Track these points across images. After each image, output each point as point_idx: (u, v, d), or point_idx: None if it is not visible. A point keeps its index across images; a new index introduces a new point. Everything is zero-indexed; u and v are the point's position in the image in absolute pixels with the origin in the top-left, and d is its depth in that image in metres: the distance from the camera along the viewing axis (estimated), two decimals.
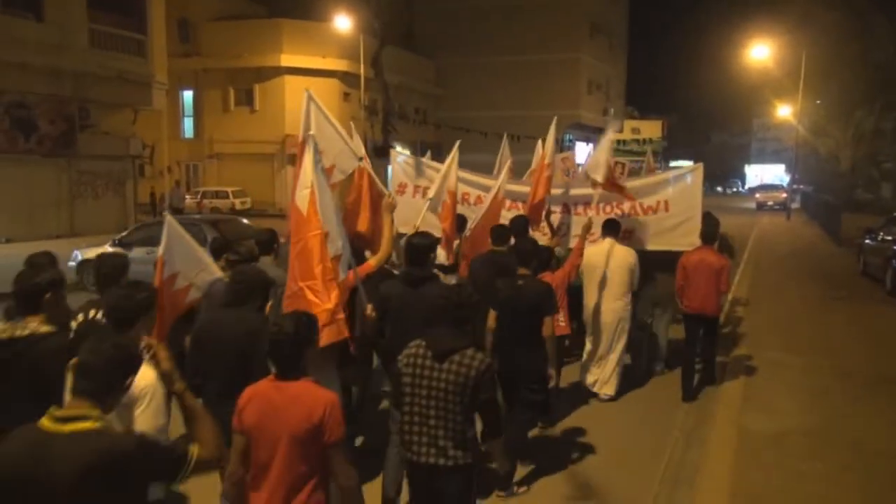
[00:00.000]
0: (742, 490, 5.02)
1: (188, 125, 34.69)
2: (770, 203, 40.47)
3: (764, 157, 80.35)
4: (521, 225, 6.30)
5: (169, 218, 4.74)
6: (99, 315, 3.55)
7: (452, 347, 3.23)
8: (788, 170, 55.63)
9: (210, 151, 33.61)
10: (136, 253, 11.81)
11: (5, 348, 3.19)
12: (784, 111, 39.69)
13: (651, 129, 49.58)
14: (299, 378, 2.76)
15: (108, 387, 2.20)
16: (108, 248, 12.72)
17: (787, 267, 16.68)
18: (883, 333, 10.22)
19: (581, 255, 6.50)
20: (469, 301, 3.39)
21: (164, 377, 2.50)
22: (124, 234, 13.47)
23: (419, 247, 4.56)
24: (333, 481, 2.78)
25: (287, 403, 2.69)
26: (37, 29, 19.51)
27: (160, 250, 4.61)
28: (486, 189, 7.39)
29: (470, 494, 3.37)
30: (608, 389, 6.87)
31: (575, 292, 6.78)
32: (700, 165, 7.46)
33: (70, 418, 2.10)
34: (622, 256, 6.76)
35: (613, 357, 6.84)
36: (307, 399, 2.70)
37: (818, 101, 37.66)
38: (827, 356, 8.68)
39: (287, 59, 32.00)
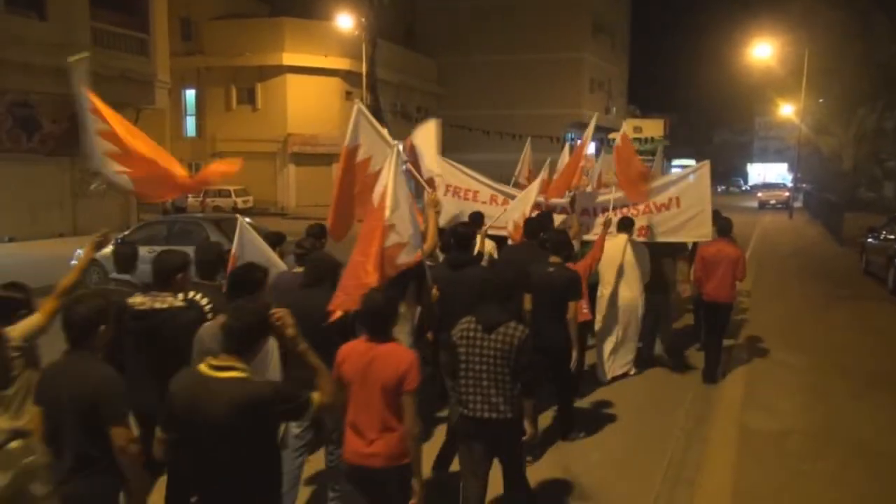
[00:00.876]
0: (743, 489, 5.03)
1: (190, 124, 34.71)
2: (772, 202, 40.37)
3: (766, 156, 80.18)
4: (546, 219, 7.19)
5: (240, 219, 5.44)
6: (198, 297, 4.09)
7: (499, 321, 3.82)
8: (791, 168, 55.54)
9: (212, 150, 33.62)
10: (139, 251, 11.83)
11: (144, 319, 3.82)
12: (786, 110, 39.63)
13: (653, 127, 49.42)
14: (387, 340, 3.40)
15: (249, 345, 2.81)
16: (111, 247, 12.78)
17: (790, 266, 16.68)
18: (885, 332, 10.23)
19: (602, 248, 6.88)
20: (509, 281, 4.06)
21: (290, 340, 2.96)
22: (127, 232, 13.49)
23: (463, 235, 5.51)
24: (402, 424, 3.34)
25: (378, 359, 3.34)
26: (39, 28, 19.52)
27: (233, 248, 5.27)
28: (504, 192, 8.25)
29: (519, 442, 4.02)
30: (620, 370, 7.49)
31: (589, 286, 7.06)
32: (707, 163, 8.04)
33: (223, 367, 2.71)
34: (635, 251, 7.38)
35: (631, 345, 7.52)
36: (394, 355, 3.35)
37: (821, 100, 37.59)
38: (829, 355, 8.68)
39: (289, 58, 32.00)
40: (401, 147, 5.13)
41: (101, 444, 2.82)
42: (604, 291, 7.37)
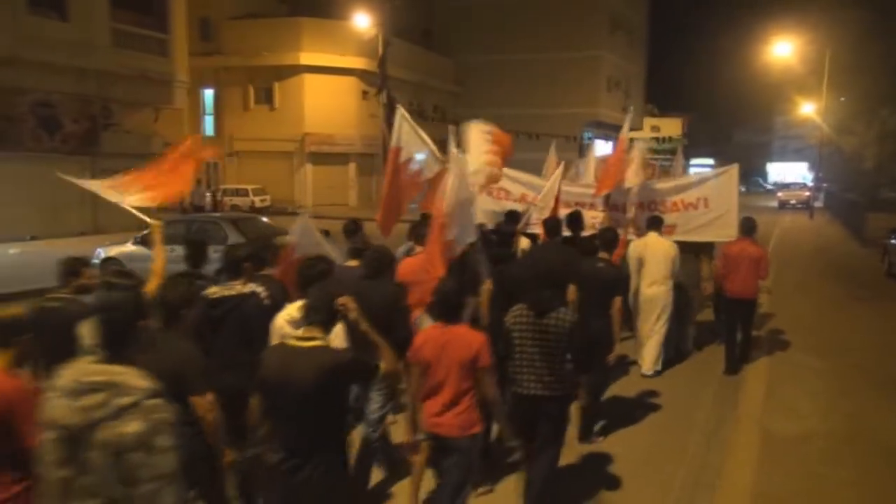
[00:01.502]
0: (764, 494, 4.97)
1: (208, 123, 34.97)
2: (793, 202, 39.92)
3: (786, 155, 79.29)
4: (578, 219, 7.62)
5: (303, 217, 5.93)
6: (255, 286, 4.53)
7: (550, 307, 4.22)
8: (811, 168, 54.89)
9: (230, 149, 33.88)
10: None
11: (217, 306, 4.26)
12: (807, 109, 39.13)
13: (671, 126, 49.21)
14: (459, 323, 3.88)
15: (328, 319, 3.28)
16: (132, 246, 12.90)
17: (811, 266, 16.48)
18: None
19: (624, 245, 7.28)
20: (560, 271, 4.52)
21: (353, 321, 3.45)
22: (146, 231, 13.58)
23: (506, 233, 6.16)
24: (484, 396, 3.82)
25: (453, 340, 3.79)
26: (61, 29, 19.79)
27: (293, 237, 5.65)
28: (534, 188, 8.61)
29: (565, 417, 4.43)
30: (652, 366, 7.63)
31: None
32: (735, 166, 8.35)
33: (308, 338, 3.17)
34: (664, 248, 7.56)
35: (657, 337, 7.60)
36: (467, 337, 3.81)
37: (842, 99, 37.08)
38: (851, 357, 8.56)
39: (306, 58, 32.15)
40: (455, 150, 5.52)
41: (184, 412, 3.05)
42: (633, 289, 7.58)
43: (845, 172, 45.48)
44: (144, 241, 12.79)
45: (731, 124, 77.33)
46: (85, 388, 2.19)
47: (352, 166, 34.28)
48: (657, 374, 7.65)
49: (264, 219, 15.66)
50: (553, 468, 4.36)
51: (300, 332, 3.25)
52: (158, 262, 4.96)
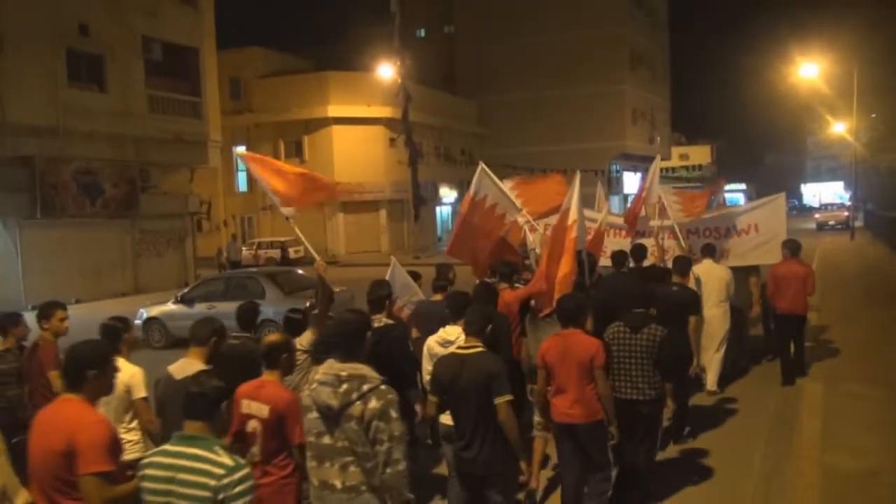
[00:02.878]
0: None
1: (241, 179, 35.82)
2: (831, 223, 39.07)
3: (820, 176, 78.04)
4: (641, 251, 8.13)
5: (394, 259, 7.24)
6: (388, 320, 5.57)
7: (643, 323, 4.97)
8: (847, 187, 53.78)
9: (263, 204, 34.56)
10: (198, 308, 12.13)
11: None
12: (838, 128, 38.59)
13: (700, 154, 48.91)
14: (577, 328, 4.67)
15: (482, 330, 4.14)
16: (172, 306, 13.12)
17: (856, 291, 16.00)
18: None
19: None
20: (643, 297, 5.20)
21: None
22: (185, 290, 13.84)
23: (590, 263, 6.66)
24: (595, 391, 4.56)
25: (573, 344, 4.59)
26: (100, 99, 20.64)
27: (388, 280, 6.46)
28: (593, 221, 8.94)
29: (658, 420, 5.16)
30: (715, 383, 8.09)
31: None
32: (783, 194, 9.14)
33: (471, 346, 4.10)
34: (718, 273, 8.05)
35: (718, 356, 8.03)
36: (585, 341, 4.62)
37: (874, 115, 36.51)
38: None
39: (334, 110, 32.93)
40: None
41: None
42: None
43: (883, 190, 44.43)
44: (184, 300, 13.03)
45: (761, 147, 76.57)
46: (342, 379, 3.18)
47: (382, 213, 34.66)
48: (720, 390, 8.11)
49: (300, 271, 15.85)
50: (649, 461, 5.06)
51: (463, 342, 4.23)
52: (321, 306, 5.44)
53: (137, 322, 12.84)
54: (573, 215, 5.98)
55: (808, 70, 32.22)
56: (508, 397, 3.95)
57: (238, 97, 34.05)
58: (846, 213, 37.61)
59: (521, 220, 7.35)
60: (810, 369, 8.93)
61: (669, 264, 7.75)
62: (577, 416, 4.55)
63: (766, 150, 77.99)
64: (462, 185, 34.98)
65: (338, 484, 3.16)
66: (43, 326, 5.38)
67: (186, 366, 4.06)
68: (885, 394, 7.89)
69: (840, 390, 8.08)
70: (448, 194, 39.52)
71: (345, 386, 3.14)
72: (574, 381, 4.53)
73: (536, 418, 5.38)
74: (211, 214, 28.23)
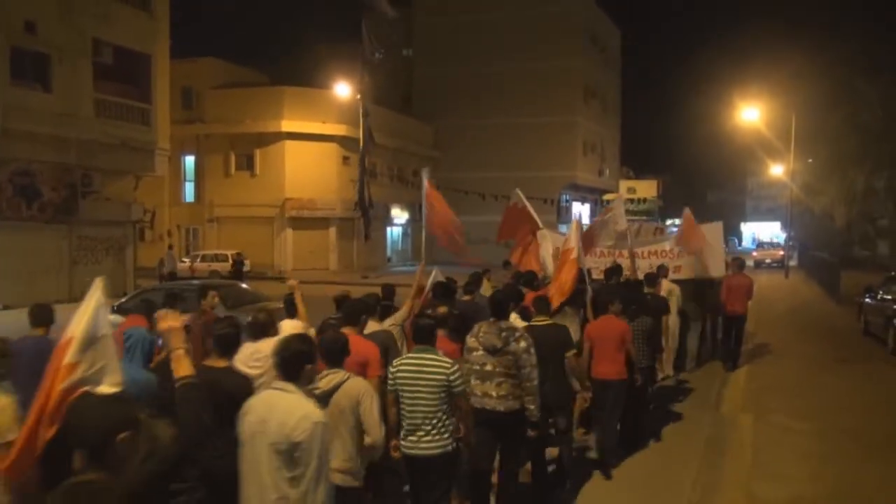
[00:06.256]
0: None
1: (189, 189, 35.08)
2: (768, 261, 40.61)
3: (759, 215, 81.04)
4: (617, 270, 9.60)
5: (435, 271, 7.69)
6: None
7: (636, 315, 7.34)
8: (784, 227, 56.00)
9: (210, 215, 33.91)
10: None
11: None
12: (776, 170, 40.28)
13: (646, 188, 50.10)
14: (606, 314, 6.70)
15: (548, 309, 6.19)
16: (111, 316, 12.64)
17: (789, 327, 16.61)
18: (889, 395, 10.10)
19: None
20: (633, 299, 7.50)
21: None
22: (123, 300, 13.40)
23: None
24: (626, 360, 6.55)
25: (608, 326, 6.58)
26: (45, 100, 19.96)
27: (428, 285, 7.31)
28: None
29: (652, 381, 8.10)
30: (670, 370, 10.10)
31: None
32: (720, 223, 11.68)
33: (543, 320, 5.89)
34: (668, 287, 9.88)
35: (672, 348, 10.00)
36: (616, 325, 6.61)
37: (810, 160, 38.22)
38: (835, 419, 8.55)
39: (288, 125, 32.66)
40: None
41: None
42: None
43: (817, 231, 46.44)
44: (121, 310, 12.58)
45: (704, 185, 79.09)
46: (501, 329, 4.99)
47: (332, 230, 34.40)
48: (674, 375, 10.22)
49: (244, 285, 15.54)
50: (615, 427, 6.71)
51: (539, 318, 5.88)
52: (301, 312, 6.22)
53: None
54: (572, 243, 8.01)
55: (750, 113, 33.64)
56: (574, 350, 5.88)
57: (190, 107, 33.42)
58: (781, 252, 39.13)
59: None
60: (741, 403, 9.22)
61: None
62: (612, 374, 6.42)
63: (709, 187, 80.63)
64: (413, 208, 34.99)
65: (493, 394, 4.96)
66: None
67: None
68: (813, 426, 8.19)
69: (770, 422, 8.35)
70: (399, 215, 39.51)
71: (504, 334, 4.96)
72: (611, 352, 6.42)
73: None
74: (155, 224, 27.42)
